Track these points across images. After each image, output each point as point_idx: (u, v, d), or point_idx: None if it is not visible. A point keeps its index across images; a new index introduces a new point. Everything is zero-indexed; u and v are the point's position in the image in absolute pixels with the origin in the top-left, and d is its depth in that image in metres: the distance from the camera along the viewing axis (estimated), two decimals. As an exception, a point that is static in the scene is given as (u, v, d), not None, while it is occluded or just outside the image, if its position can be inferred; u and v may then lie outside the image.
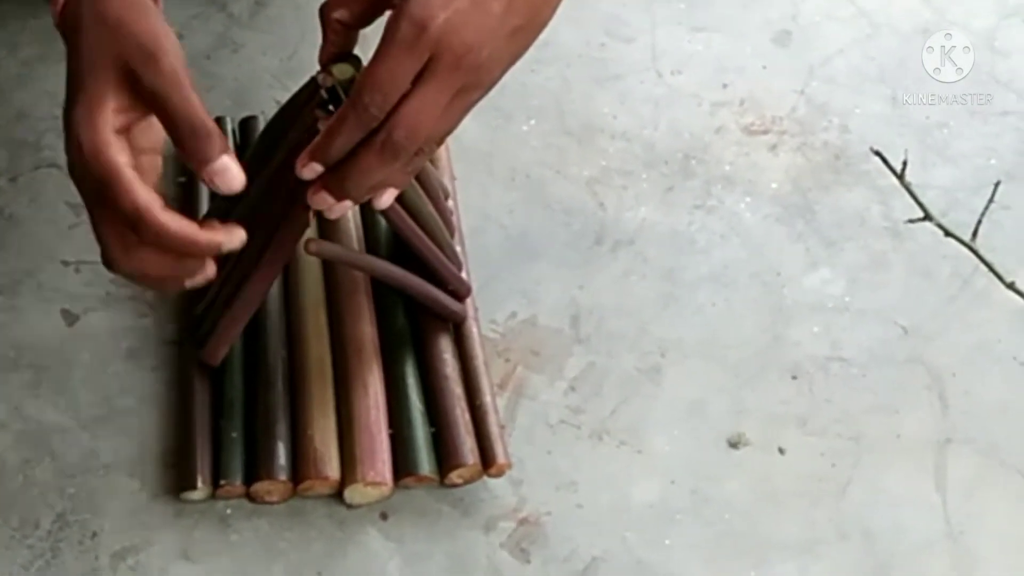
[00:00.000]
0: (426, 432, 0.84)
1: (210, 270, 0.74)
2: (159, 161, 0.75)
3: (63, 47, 1.03)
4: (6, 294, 0.90)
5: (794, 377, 0.90)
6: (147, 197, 0.69)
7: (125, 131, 0.71)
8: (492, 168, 1.00)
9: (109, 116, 0.70)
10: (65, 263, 0.92)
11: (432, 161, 0.94)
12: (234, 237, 0.73)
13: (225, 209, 0.88)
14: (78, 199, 0.92)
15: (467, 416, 0.84)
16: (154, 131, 0.73)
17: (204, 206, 0.94)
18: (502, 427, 0.85)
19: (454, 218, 0.94)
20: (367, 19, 0.75)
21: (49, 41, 1.05)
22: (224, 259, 0.84)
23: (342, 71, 0.77)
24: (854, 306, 0.94)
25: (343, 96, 0.78)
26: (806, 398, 0.89)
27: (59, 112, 0.98)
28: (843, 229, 0.98)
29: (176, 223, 0.70)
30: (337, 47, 0.76)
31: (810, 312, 0.93)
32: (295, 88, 0.86)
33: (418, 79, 0.70)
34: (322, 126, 0.76)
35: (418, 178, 0.85)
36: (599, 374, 0.90)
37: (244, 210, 0.85)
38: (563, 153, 1.01)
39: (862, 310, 0.94)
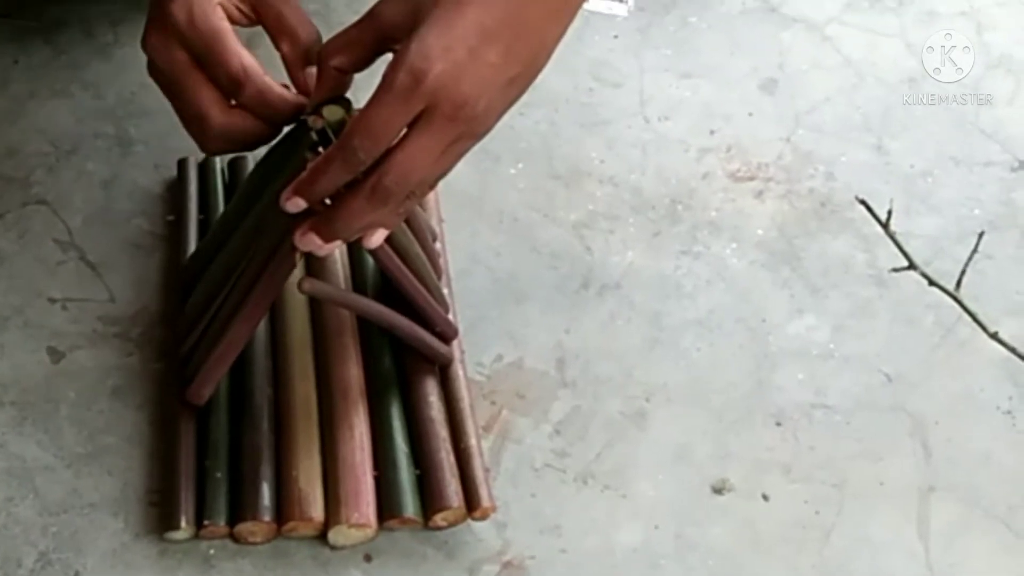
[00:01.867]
0: (411, 474, 0.84)
1: None
2: None
3: (54, 84, 1.04)
4: (-8, 330, 0.91)
5: (778, 423, 0.90)
6: (252, 59, 0.76)
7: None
8: (480, 211, 1.00)
9: None
10: (52, 300, 0.92)
11: (420, 203, 0.94)
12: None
13: (214, 248, 0.88)
14: (66, 237, 0.95)
15: (452, 459, 0.84)
16: None
17: (192, 244, 0.94)
18: (487, 470, 0.85)
19: (442, 260, 0.95)
20: (364, 65, 0.76)
21: (40, 78, 1.05)
22: (210, 298, 0.85)
23: (332, 112, 0.77)
24: (838, 353, 0.94)
25: (333, 138, 0.79)
26: (790, 444, 0.89)
27: (48, 149, 1.00)
28: (828, 276, 0.98)
29: (278, 87, 0.77)
30: (330, 91, 0.76)
31: (795, 359, 0.94)
32: (284, 129, 0.86)
33: (412, 126, 0.71)
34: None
35: (406, 220, 0.86)
36: (584, 418, 0.90)
37: (233, 249, 0.85)
38: (551, 197, 1.02)
39: (846, 357, 0.94)
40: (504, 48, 0.71)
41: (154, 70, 0.80)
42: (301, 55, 0.79)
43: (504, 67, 0.72)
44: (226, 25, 0.76)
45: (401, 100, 0.69)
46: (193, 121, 0.79)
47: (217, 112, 0.78)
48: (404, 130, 0.71)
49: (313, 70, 0.77)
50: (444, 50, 0.69)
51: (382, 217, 0.74)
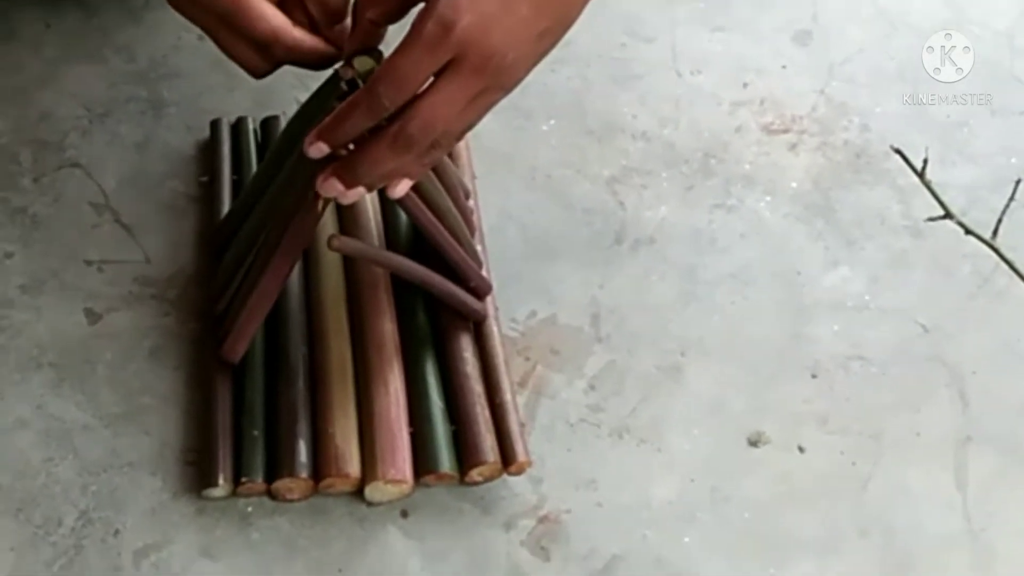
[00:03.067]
0: (446, 430, 0.84)
1: None
2: None
3: (86, 48, 1.04)
4: (29, 293, 0.91)
5: (814, 376, 0.90)
6: (280, 20, 0.77)
7: None
8: (513, 167, 1.00)
9: None
10: (88, 262, 0.93)
11: (453, 159, 0.94)
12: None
13: (247, 206, 0.88)
14: (101, 199, 0.95)
15: (487, 414, 0.84)
16: None
17: (226, 205, 0.94)
18: (522, 425, 0.85)
19: (475, 217, 0.94)
20: (397, 17, 0.76)
21: (72, 43, 1.06)
22: (243, 256, 0.85)
23: (363, 63, 0.77)
24: (874, 304, 0.94)
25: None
26: (826, 396, 0.89)
27: (82, 113, 1.00)
28: (863, 228, 0.98)
29: (310, 41, 0.78)
30: (363, 43, 0.76)
31: (830, 311, 0.93)
32: (316, 88, 0.87)
33: (439, 75, 0.71)
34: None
35: (439, 176, 0.86)
36: (619, 373, 0.90)
37: (265, 206, 0.85)
38: (583, 152, 1.01)
39: (882, 309, 0.93)
40: (535, 2, 0.71)
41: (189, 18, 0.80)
42: (330, 14, 0.79)
43: (535, 20, 0.72)
44: None
45: (428, 49, 0.69)
46: (237, 63, 0.80)
47: (257, 64, 0.79)
48: (431, 79, 0.71)
49: (344, 24, 0.77)
50: (474, 1, 0.69)
51: (405, 165, 0.74)
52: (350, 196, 0.75)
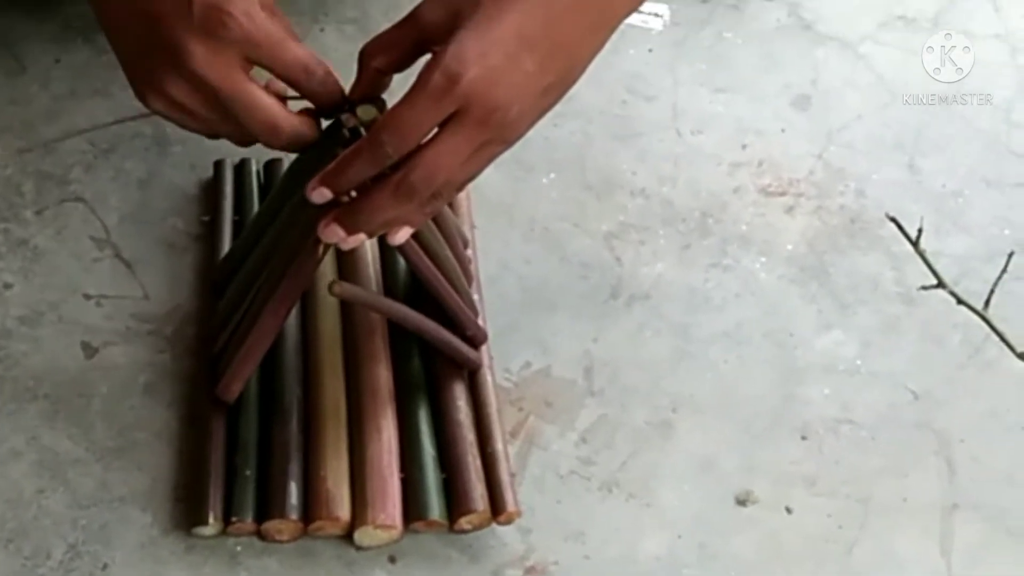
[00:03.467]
0: (437, 477, 0.84)
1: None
2: None
3: (95, 83, 1.05)
4: (28, 325, 0.91)
5: (804, 437, 0.91)
6: (276, 110, 0.76)
7: None
8: (512, 218, 1.01)
9: None
10: (87, 296, 0.93)
11: (453, 209, 0.95)
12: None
13: (247, 247, 0.89)
14: (102, 234, 0.96)
15: (478, 463, 0.85)
16: None
17: (226, 244, 0.95)
18: (512, 475, 0.85)
19: (472, 266, 0.95)
20: (403, 66, 0.77)
21: (81, 78, 1.07)
22: (242, 296, 0.86)
23: (366, 112, 0.78)
24: (865, 369, 0.94)
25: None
26: (815, 458, 0.90)
27: (87, 147, 1.01)
28: (857, 292, 0.98)
29: (307, 123, 0.78)
30: (369, 91, 0.77)
31: (822, 373, 0.94)
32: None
33: (443, 127, 0.71)
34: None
35: (438, 224, 0.87)
36: (611, 426, 0.90)
37: (265, 247, 0.86)
38: (582, 207, 1.02)
39: (873, 373, 0.94)
40: (541, 57, 0.72)
41: (196, 92, 0.76)
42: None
43: (539, 76, 0.72)
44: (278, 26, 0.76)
45: (434, 101, 0.70)
46: (263, 131, 0.77)
47: (285, 115, 0.77)
48: (435, 130, 0.72)
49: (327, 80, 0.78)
50: (481, 55, 0.70)
51: (406, 214, 0.75)
52: (350, 242, 0.76)
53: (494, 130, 0.72)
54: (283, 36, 0.76)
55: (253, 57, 0.76)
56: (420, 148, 0.72)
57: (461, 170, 0.74)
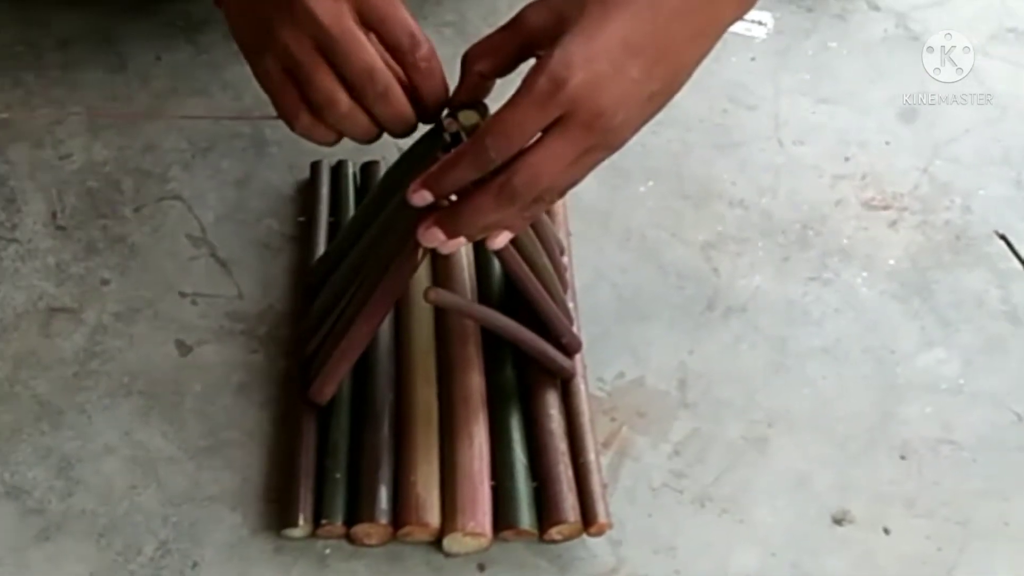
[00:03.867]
0: (528, 486, 0.83)
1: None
2: None
3: (195, 83, 1.06)
4: (123, 321, 0.92)
5: (903, 457, 0.89)
6: (378, 60, 0.74)
7: None
8: (608, 227, 1.00)
9: None
10: (182, 294, 0.94)
11: (550, 215, 0.94)
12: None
13: (342, 250, 0.89)
14: (198, 233, 0.96)
15: (570, 473, 0.84)
16: None
17: (321, 246, 0.95)
18: (604, 486, 0.84)
19: (568, 274, 0.94)
20: (506, 70, 0.76)
21: (181, 77, 1.07)
22: (336, 299, 0.86)
23: (467, 117, 0.78)
24: (968, 389, 0.92)
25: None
26: (914, 479, 0.88)
27: (185, 146, 1.02)
28: (960, 310, 0.96)
29: (399, 92, 0.75)
30: (471, 95, 0.77)
31: (922, 392, 0.92)
32: (417, 135, 0.87)
33: (547, 131, 0.71)
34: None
35: (535, 231, 0.86)
36: (704, 440, 0.89)
37: (361, 251, 0.86)
38: (679, 216, 1.01)
39: (976, 393, 0.92)
40: (646, 64, 0.71)
41: (303, 36, 0.75)
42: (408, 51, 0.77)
43: (644, 83, 0.72)
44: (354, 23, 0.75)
45: (539, 105, 0.69)
46: (360, 74, 0.75)
47: (384, 67, 0.75)
48: (538, 135, 0.71)
49: (432, 64, 0.77)
50: (587, 60, 0.69)
51: (507, 218, 0.74)
52: (450, 246, 0.76)
53: (598, 136, 0.71)
54: (358, 33, 0.75)
55: (365, 10, 0.75)
56: (523, 152, 0.72)
57: (564, 175, 0.73)
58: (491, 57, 0.76)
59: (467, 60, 0.76)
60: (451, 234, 0.75)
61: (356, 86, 0.75)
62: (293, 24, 0.75)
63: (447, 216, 0.75)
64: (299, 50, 0.75)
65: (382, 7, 0.75)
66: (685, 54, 0.74)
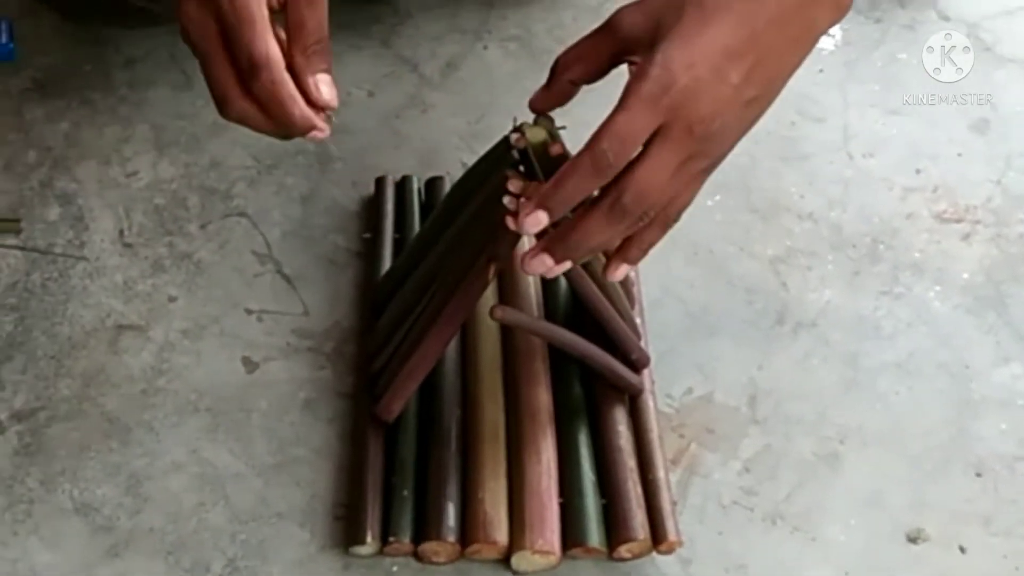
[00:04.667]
0: (597, 503, 0.82)
1: (319, 134, 0.76)
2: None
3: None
4: (190, 338, 0.92)
5: (979, 474, 0.87)
6: (277, 52, 0.73)
7: None
8: (675, 241, 0.98)
9: None
10: (248, 311, 0.94)
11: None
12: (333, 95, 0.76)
13: (409, 266, 0.88)
14: (264, 249, 0.96)
15: (639, 490, 0.83)
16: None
17: (387, 262, 0.94)
18: (674, 504, 0.83)
19: (635, 289, 0.93)
20: (598, 76, 0.76)
21: (246, 93, 1.07)
22: (403, 316, 0.85)
23: (535, 134, 0.77)
24: (1045, 405, 0.91)
25: (533, 159, 0.79)
26: (991, 497, 0.86)
27: (250, 163, 1.02)
28: (1037, 325, 0.95)
29: (289, 89, 0.73)
30: (559, 102, 0.77)
31: (998, 408, 0.90)
32: (481, 151, 0.87)
33: (649, 143, 0.70)
34: (511, 186, 0.77)
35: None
36: (775, 456, 0.88)
37: (429, 267, 0.85)
38: (747, 230, 1.00)
39: (1053, 409, 0.90)
40: (745, 70, 0.71)
41: (186, 37, 0.76)
42: (302, 54, 0.75)
43: (743, 88, 0.71)
44: (263, 11, 0.73)
45: (647, 106, 0.69)
46: (214, 96, 0.76)
47: (236, 96, 0.74)
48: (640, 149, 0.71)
49: (326, 77, 0.76)
50: (688, 66, 0.69)
51: (614, 238, 0.74)
52: (556, 271, 0.75)
53: (698, 142, 0.71)
54: (252, 26, 0.73)
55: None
56: (629, 167, 0.71)
57: (669, 186, 0.72)
58: (583, 63, 0.75)
59: (558, 67, 0.76)
60: (560, 259, 0.74)
61: (247, 75, 0.74)
62: (180, 27, 0.75)
63: (556, 240, 0.73)
64: (200, 28, 0.75)
65: (237, 22, 0.73)
66: (782, 60, 0.73)
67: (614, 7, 1.08)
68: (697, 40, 0.70)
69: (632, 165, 0.70)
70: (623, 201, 0.71)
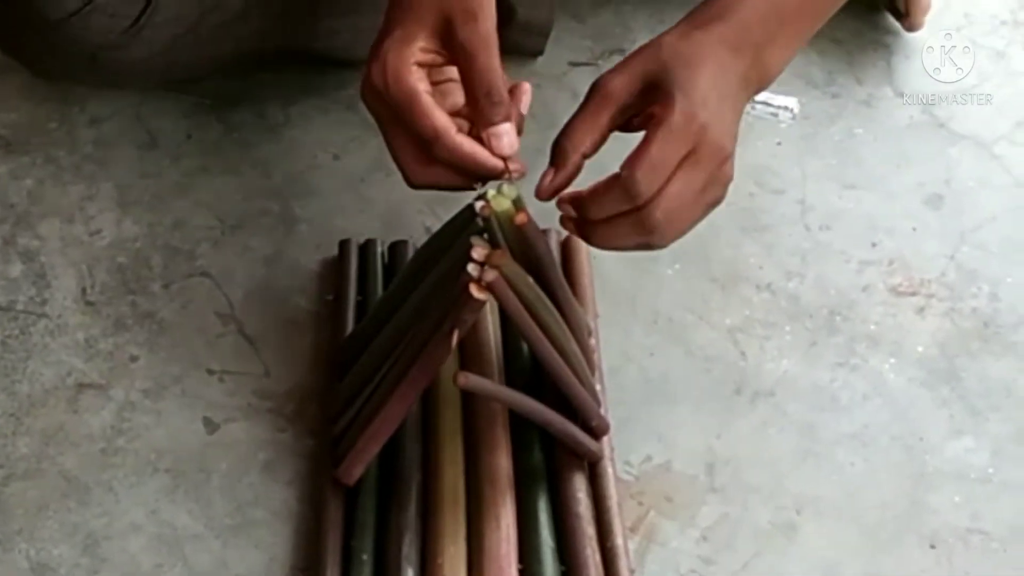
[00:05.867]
0: (556, 570, 0.83)
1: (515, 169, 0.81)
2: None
3: (224, 160, 1.06)
4: (151, 398, 0.92)
5: (932, 546, 0.88)
6: (444, 120, 0.79)
7: (426, 70, 0.81)
8: (635, 309, 1.00)
9: (416, 51, 0.79)
10: (210, 371, 0.94)
11: (577, 298, 0.94)
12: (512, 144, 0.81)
13: (372, 329, 0.89)
14: (227, 310, 0.96)
15: (598, 558, 0.83)
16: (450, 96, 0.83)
17: (349, 324, 0.95)
18: (632, 571, 0.84)
19: (595, 356, 0.94)
20: (602, 144, 0.80)
21: (211, 155, 1.08)
22: (366, 378, 0.86)
23: (499, 203, 0.79)
24: (997, 478, 0.92)
25: (497, 228, 0.80)
26: (944, 569, 0.87)
27: (214, 223, 1.02)
28: (989, 398, 0.96)
29: (469, 145, 0.79)
30: (571, 182, 0.80)
31: (952, 481, 0.91)
32: (445, 216, 0.88)
33: (679, 167, 0.77)
34: (476, 254, 0.78)
35: (565, 317, 0.86)
36: (732, 525, 0.88)
37: (392, 331, 0.86)
38: (706, 299, 1.01)
39: (1005, 483, 0.91)
40: (737, 102, 0.80)
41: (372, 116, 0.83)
42: (482, 112, 0.80)
43: (736, 120, 0.80)
44: (420, 86, 0.79)
45: (678, 137, 0.76)
46: (399, 169, 0.83)
47: (416, 167, 0.81)
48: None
49: (499, 128, 0.80)
50: (703, 99, 0.77)
51: (635, 245, 0.80)
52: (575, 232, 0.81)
53: (716, 167, 0.78)
54: (414, 106, 0.79)
55: (450, 44, 0.80)
56: (662, 186, 0.77)
57: (696, 206, 0.79)
58: (590, 136, 0.79)
59: (567, 148, 0.79)
60: (582, 237, 0.81)
61: (424, 147, 0.80)
62: (369, 89, 0.81)
63: (585, 227, 0.80)
64: (376, 112, 0.82)
65: (400, 105, 0.79)
66: (773, 68, 0.82)
67: (577, 76, 1.10)
68: (698, 82, 0.77)
69: (666, 185, 0.76)
70: (655, 217, 0.77)
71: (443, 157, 0.79)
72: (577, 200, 0.80)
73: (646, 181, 0.76)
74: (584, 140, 0.79)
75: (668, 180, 0.77)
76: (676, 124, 0.76)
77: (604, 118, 0.79)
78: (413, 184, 0.82)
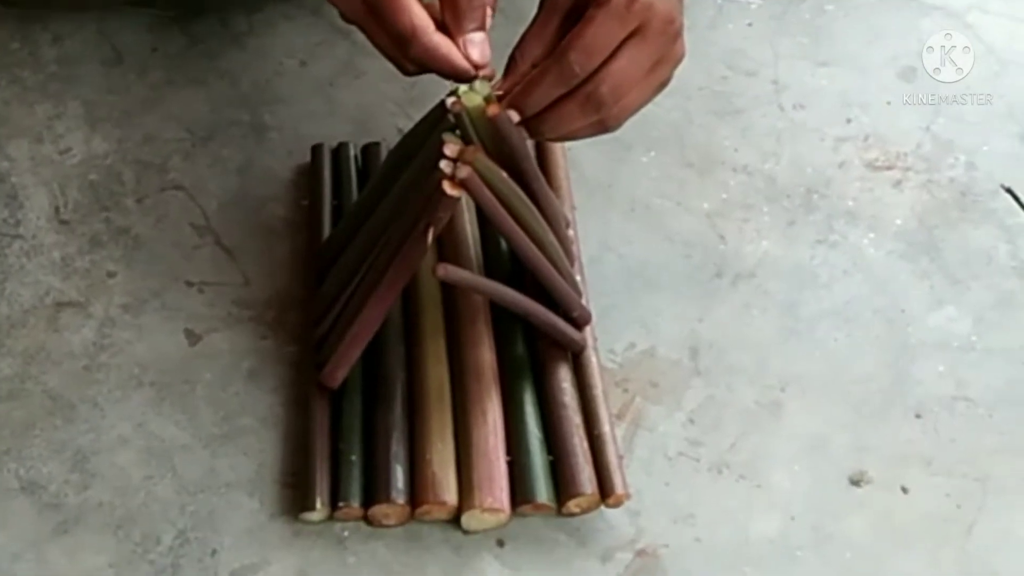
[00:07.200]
0: (544, 460, 0.83)
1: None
2: None
3: (191, 72, 1.05)
4: (131, 313, 0.92)
5: (918, 416, 0.88)
6: (423, 17, 0.78)
7: None
8: (612, 198, 1.00)
9: None
10: (189, 283, 0.94)
11: (554, 189, 0.94)
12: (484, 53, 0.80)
13: (349, 232, 0.88)
14: (202, 221, 0.96)
15: (585, 445, 0.84)
16: None
17: (326, 229, 0.94)
18: (620, 457, 0.84)
19: (574, 247, 0.94)
20: (552, 52, 0.79)
21: (177, 67, 1.07)
22: (345, 282, 0.86)
23: (471, 99, 0.78)
24: (980, 345, 0.92)
25: (469, 123, 0.79)
26: (930, 437, 0.87)
27: (184, 136, 1.01)
28: (969, 267, 0.96)
29: (445, 47, 0.78)
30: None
31: (935, 350, 0.92)
32: (417, 116, 0.87)
33: (625, 42, 0.76)
34: (448, 150, 0.78)
35: (540, 207, 0.85)
36: (718, 407, 0.89)
37: (368, 233, 0.85)
38: (683, 185, 1.01)
39: (988, 350, 0.92)
40: None
41: (343, 16, 0.82)
42: (458, 19, 0.79)
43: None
44: None
45: (617, 18, 0.75)
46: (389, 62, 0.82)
47: (403, 59, 0.80)
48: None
49: (473, 37, 0.79)
50: None
51: (585, 128, 0.79)
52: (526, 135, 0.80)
53: (667, 43, 0.78)
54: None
55: None
56: (606, 62, 0.76)
57: (645, 85, 0.79)
58: (538, 45, 0.79)
59: (517, 59, 0.79)
60: (535, 136, 0.80)
61: (400, 47, 0.79)
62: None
63: (535, 122, 0.78)
64: (352, 12, 0.80)
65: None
66: None
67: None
68: None
69: (609, 61, 0.76)
70: (600, 92, 0.76)
71: (419, 59, 0.78)
72: (517, 99, 0.78)
73: (579, 63, 0.75)
74: (534, 50, 0.79)
75: (612, 57, 0.76)
76: (616, 3, 0.75)
77: (552, 27, 0.78)
78: (406, 73, 0.81)
